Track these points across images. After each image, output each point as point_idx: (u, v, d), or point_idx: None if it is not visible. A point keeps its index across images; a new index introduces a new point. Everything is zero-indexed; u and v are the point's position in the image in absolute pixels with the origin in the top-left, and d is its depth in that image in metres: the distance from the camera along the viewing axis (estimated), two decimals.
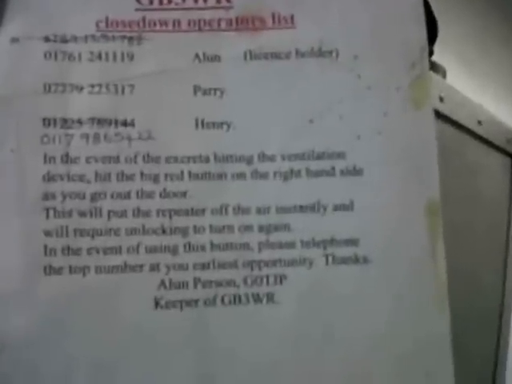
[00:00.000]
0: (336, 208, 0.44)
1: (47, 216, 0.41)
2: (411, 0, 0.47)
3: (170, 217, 0.42)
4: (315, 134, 0.45)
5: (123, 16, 0.44)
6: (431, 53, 0.58)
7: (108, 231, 0.42)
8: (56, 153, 0.42)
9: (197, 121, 0.43)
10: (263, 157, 0.44)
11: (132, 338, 0.41)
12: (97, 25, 0.44)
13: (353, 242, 0.44)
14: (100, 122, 0.42)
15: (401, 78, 0.46)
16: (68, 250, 0.41)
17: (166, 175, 0.43)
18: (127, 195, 0.42)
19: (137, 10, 0.44)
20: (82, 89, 0.43)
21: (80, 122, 0.42)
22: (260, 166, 0.44)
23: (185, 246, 0.42)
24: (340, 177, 0.44)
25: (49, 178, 0.42)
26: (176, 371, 0.42)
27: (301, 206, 0.44)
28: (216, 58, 0.44)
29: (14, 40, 0.42)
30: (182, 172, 0.43)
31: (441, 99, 0.60)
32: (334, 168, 0.44)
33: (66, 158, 0.42)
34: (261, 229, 0.43)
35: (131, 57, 0.44)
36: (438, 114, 0.56)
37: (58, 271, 0.41)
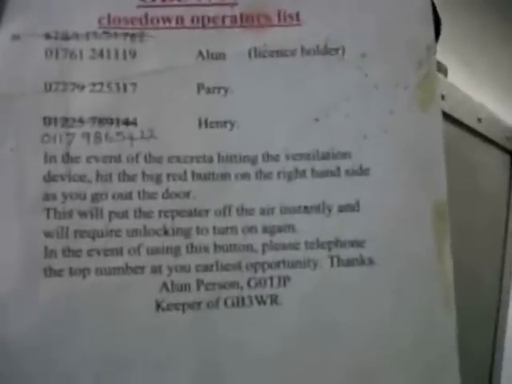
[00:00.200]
0: (341, 209, 0.42)
1: (47, 216, 0.40)
2: None
3: (173, 218, 0.41)
4: (320, 133, 0.43)
5: (125, 13, 0.42)
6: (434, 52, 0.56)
7: (109, 232, 0.40)
8: (57, 152, 0.40)
9: (200, 120, 0.42)
10: (267, 156, 0.42)
11: (133, 342, 0.40)
12: (99, 22, 0.42)
13: (358, 244, 0.42)
14: (101, 121, 0.41)
15: (408, 77, 0.44)
16: (68, 252, 0.40)
17: (168, 175, 0.41)
18: (129, 196, 0.41)
19: (139, 6, 0.42)
20: (83, 87, 0.41)
21: (81, 121, 0.41)
22: (264, 165, 0.42)
23: (187, 247, 0.41)
24: (345, 177, 0.43)
25: (49, 177, 0.40)
26: (178, 375, 0.40)
27: (305, 207, 0.42)
28: (220, 56, 0.43)
29: (15, 37, 0.41)
30: (185, 172, 0.41)
31: (442, 97, 0.59)
32: (339, 168, 0.43)
33: (67, 158, 0.40)
34: (265, 230, 0.42)
35: (133, 54, 0.42)
36: None
37: (58, 273, 0.39)
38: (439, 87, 0.45)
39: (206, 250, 0.41)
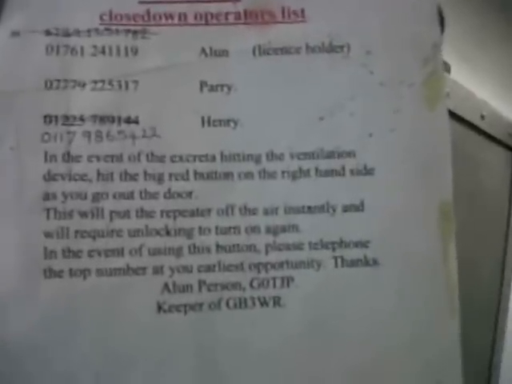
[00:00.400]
0: (346, 209, 0.41)
1: (47, 217, 0.38)
2: None
3: (175, 218, 0.39)
4: (325, 131, 0.41)
5: (127, 9, 0.41)
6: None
7: (110, 232, 0.39)
8: (57, 151, 0.39)
9: (203, 118, 0.41)
10: (271, 155, 0.41)
11: (134, 344, 0.39)
12: (100, 18, 0.41)
13: (362, 244, 0.41)
14: (103, 119, 0.40)
15: (413, 74, 0.43)
16: (69, 252, 0.38)
17: (170, 175, 0.40)
18: (130, 195, 0.39)
19: (141, 2, 0.41)
20: (84, 85, 0.40)
21: (82, 119, 0.39)
22: (268, 165, 0.41)
23: (189, 247, 0.39)
24: (350, 176, 0.41)
25: (49, 177, 0.39)
26: (179, 377, 0.39)
27: (309, 207, 0.41)
28: (223, 53, 0.41)
29: (15, 33, 0.39)
30: (188, 171, 0.40)
31: (446, 94, 0.57)
32: (343, 167, 0.41)
33: (68, 157, 0.39)
34: (268, 230, 0.40)
35: (135, 51, 0.40)
36: None
37: (58, 274, 0.38)
38: (446, 85, 0.44)
39: (209, 250, 0.40)
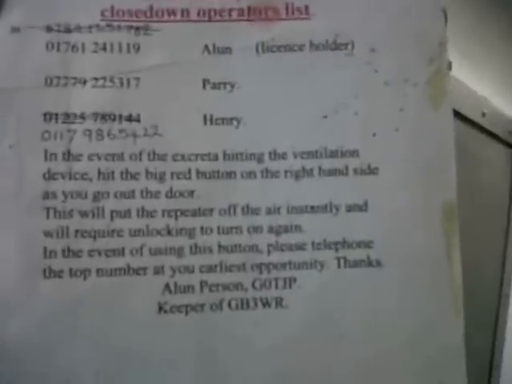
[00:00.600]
0: (349, 209, 0.40)
1: (47, 216, 0.37)
2: None
3: (176, 217, 0.38)
4: (329, 130, 0.41)
5: (129, 5, 0.40)
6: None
7: (111, 232, 0.38)
8: (57, 149, 0.38)
9: (205, 116, 0.39)
10: (274, 154, 0.40)
11: (134, 345, 0.38)
12: (102, 14, 0.39)
13: (366, 244, 0.40)
14: (104, 117, 0.39)
15: (418, 73, 0.42)
16: (68, 252, 0.37)
17: (172, 174, 0.39)
18: (131, 194, 0.38)
19: None
20: (85, 82, 0.39)
21: (83, 117, 0.38)
22: (271, 164, 0.40)
23: (191, 247, 0.38)
24: (354, 176, 0.40)
25: (49, 176, 0.38)
26: (180, 378, 0.38)
27: (312, 207, 0.40)
28: (226, 50, 0.40)
29: (15, 29, 0.38)
30: (190, 170, 0.39)
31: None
32: (347, 167, 0.40)
33: (68, 155, 0.38)
34: (270, 230, 0.39)
35: (137, 48, 0.39)
36: None
37: (58, 274, 0.37)
38: (450, 84, 0.43)
39: (210, 250, 0.39)
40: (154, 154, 0.39)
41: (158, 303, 0.38)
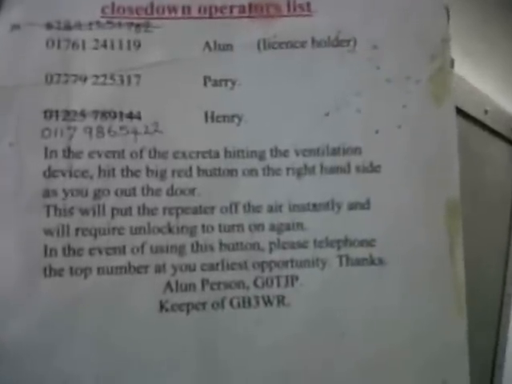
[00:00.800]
0: (351, 206, 0.40)
1: (47, 214, 0.37)
2: None
3: (177, 215, 0.38)
4: (331, 127, 0.40)
5: (130, 1, 0.39)
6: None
7: (111, 230, 0.37)
8: (57, 147, 0.38)
9: (206, 114, 0.39)
10: (276, 152, 0.39)
11: (135, 343, 0.37)
12: (102, 10, 0.39)
13: (368, 243, 0.40)
14: (104, 114, 0.38)
15: (420, 70, 0.41)
16: (69, 250, 0.37)
17: (173, 171, 0.38)
18: (132, 192, 0.38)
19: None
20: (85, 79, 0.38)
21: (83, 114, 0.38)
22: (272, 161, 0.39)
23: (192, 245, 0.38)
24: (356, 173, 0.40)
25: (49, 173, 0.37)
26: (181, 377, 0.38)
27: (314, 204, 0.39)
28: (228, 47, 0.40)
29: (15, 27, 0.38)
30: (191, 168, 0.39)
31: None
32: (349, 164, 0.40)
33: (68, 153, 0.38)
34: (272, 228, 0.39)
35: (138, 45, 0.39)
36: None
37: (59, 272, 0.37)
38: (453, 81, 0.42)
39: (212, 248, 0.38)
40: (155, 151, 0.38)
41: (160, 302, 0.37)
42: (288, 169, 0.39)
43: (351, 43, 0.41)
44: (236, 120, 0.39)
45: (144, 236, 0.38)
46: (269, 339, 0.38)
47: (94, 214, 0.37)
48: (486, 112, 0.74)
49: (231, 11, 0.40)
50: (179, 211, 0.38)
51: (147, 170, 0.38)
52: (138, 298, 0.37)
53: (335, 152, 0.40)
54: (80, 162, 0.38)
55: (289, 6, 0.40)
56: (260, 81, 0.40)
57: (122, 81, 0.39)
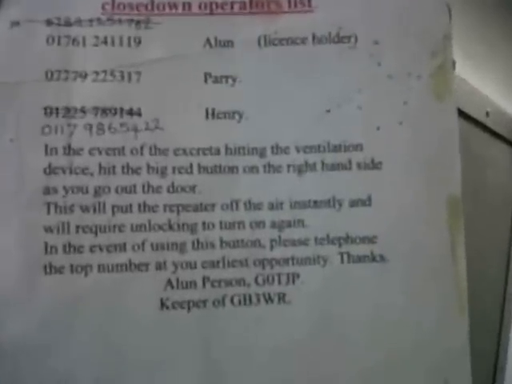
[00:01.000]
0: (352, 203, 0.39)
1: (48, 211, 0.37)
2: None
3: (178, 212, 0.38)
4: (332, 124, 0.40)
5: None
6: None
7: (112, 227, 0.37)
8: (58, 144, 0.37)
9: (207, 110, 0.39)
10: (277, 149, 0.39)
11: (136, 341, 0.37)
12: (102, 7, 0.39)
13: (369, 240, 0.39)
14: (104, 111, 0.38)
15: (421, 66, 0.41)
16: (69, 248, 0.37)
17: (173, 168, 0.38)
18: (133, 189, 0.38)
19: None
20: (85, 76, 0.38)
21: (83, 111, 0.38)
22: (273, 158, 0.39)
23: (193, 243, 0.38)
24: (357, 170, 0.40)
25: (50, 170, 0.37)
26: (182, 376, 0.37)
27: (315, 201, 0.39)
28: (228, 44, 0.40)
29: (15, 23, 0.38)
30: (191, 165, 0.38)
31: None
32: (350, 161, 0.40)
33: (68, 150, 0.37)
34: (273, 225, 0.39)
35: (138, 41, 0.39)
36: None
37: (59, 270, 0.37)
38: (454, 78, 0.42)
39: (213, 245, 0.38)
40: (156, 148, 0.38)
41: (160, 299, 0.37)
42: (289, 166, 0.39)
43: (352, 39, 0.40)
44: (237, 117, 0.39)
45: (145, 233, 0.37)
46: (270, 337, 0.38)
47: (94, 211, 0.37)
48: (487, 114, 0.74)
49: (232, 7, 0.40)
50: (180, 208, 0.38)
51: (148, 167, 0.38)
52: (138, 295, 0.37)
53: (336, 149, 0.40)
54: (80, 159, 0.37)
55: (289, 2, 0.40)
56: (261, 77, 0.40)
57: (123, 77, 0.38)
